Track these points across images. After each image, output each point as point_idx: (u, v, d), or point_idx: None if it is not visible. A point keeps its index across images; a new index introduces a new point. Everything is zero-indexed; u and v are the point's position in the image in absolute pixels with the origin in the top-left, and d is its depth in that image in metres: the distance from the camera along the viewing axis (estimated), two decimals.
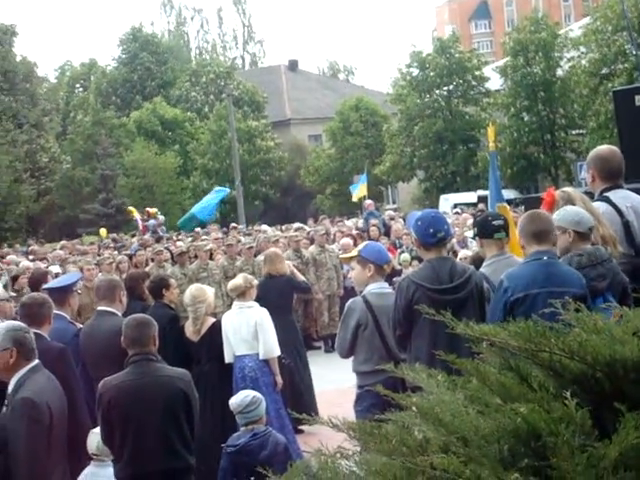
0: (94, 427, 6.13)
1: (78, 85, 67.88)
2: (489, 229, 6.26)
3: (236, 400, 6.52)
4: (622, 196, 5.95)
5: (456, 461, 2.19)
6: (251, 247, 15.72)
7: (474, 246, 13.86)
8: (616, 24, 35.96)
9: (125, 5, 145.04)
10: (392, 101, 47.18)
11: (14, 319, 7.36)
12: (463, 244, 15.70)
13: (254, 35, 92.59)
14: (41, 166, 51.67)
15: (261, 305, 9.04)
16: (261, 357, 8.78)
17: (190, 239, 21.62)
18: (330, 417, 2.66)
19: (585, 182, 7.25)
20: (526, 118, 42.00)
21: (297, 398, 10.40)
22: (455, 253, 12.84)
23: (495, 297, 5.42)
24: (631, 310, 2.86)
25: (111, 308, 7.53)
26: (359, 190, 28.53)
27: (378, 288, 6.60)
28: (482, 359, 2.72)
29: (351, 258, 7.08)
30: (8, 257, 19.33)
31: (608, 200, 5.90)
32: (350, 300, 6.88)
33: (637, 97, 8.96)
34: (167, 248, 17.27)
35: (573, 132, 41.90)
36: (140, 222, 26.66)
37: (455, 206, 29.91)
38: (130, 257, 15.86)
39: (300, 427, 9.84)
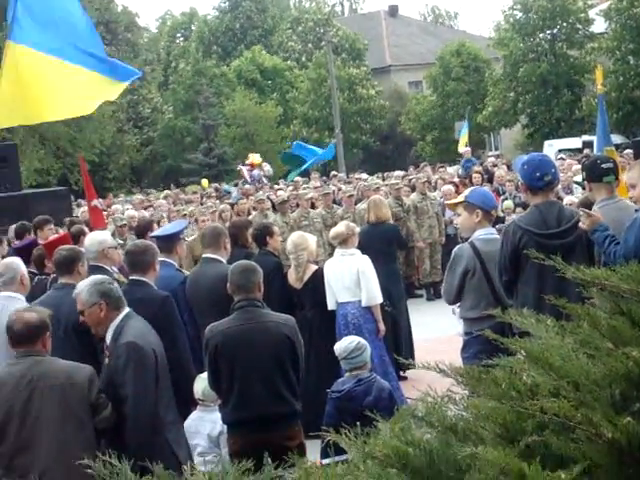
0: (200, 373, 6.25)
1: (179, 35, 68.35)
2: (598, 172, 6.11)
3: (341, 346, 6.50)
4: None
5: (567, 405, 2.18)
6: (351, 195, 15.71)
7: (579, 192, 13.58)
8: None
9: None
10: (495, 45, 46.33)
11: (121, 267, 7.56)
12: (568, 190, 15.34)
13: None
14: (144, 116, 52.69)
15: (364, 253, 9.02)
16: (364, 304, 8.78)
17: (291, 188, 21.73)
18: (437, 362, 2.66)
19: None
20: (632, 62, 40.73)
21: (397, 345, 10.41)
22: (560, 199, 12.56)
23: (633, 228, 5.24)
24: None
25: (216, 255, 7.65)
26: (462, 139, 28.04)
27: (485, 234, 6.48)
28: (592, 303, 2.69)
29: (457, 204, 6.97)
30: (113, 207, 19.77)
31: None
32: (457, 247, 6.80)
33: None
34: (268, 197, 17.38)
35: None
36: (248, 177, 26.72)
37: (559, 152, 29.25)
38: (232, 206, 16.04)
39: (403, 374, 9.88)
